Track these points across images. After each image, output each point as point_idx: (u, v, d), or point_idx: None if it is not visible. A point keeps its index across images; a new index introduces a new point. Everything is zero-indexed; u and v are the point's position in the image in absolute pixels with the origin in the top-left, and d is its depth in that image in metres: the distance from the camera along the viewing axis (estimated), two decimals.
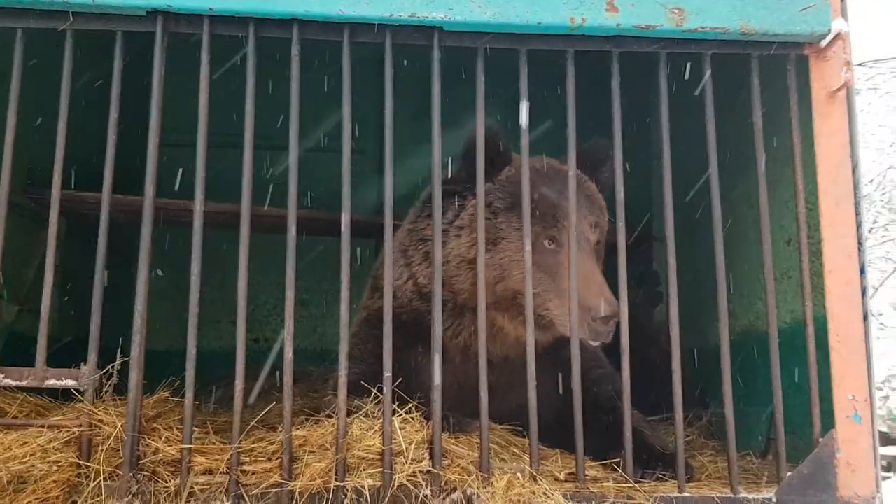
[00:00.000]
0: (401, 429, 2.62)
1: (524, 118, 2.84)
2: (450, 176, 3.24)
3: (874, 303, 19.23)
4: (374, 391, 2.69)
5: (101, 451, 2.48)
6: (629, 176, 3.02)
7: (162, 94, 2.77)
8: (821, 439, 2.71)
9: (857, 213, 2.88)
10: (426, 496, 2.52)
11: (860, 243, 2.86)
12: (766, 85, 2.96)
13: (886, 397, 15.05)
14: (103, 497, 2.42)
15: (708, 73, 2.94)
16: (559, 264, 3.08)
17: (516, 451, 2.97)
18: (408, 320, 3.28)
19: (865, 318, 2.82)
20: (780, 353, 2.84)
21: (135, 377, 2.54)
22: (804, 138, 2.94)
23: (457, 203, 3.25)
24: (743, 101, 3.02)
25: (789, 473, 2.69)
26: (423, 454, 2.59)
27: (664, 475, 2.80)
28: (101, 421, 2.51)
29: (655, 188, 4.90)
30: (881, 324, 19.53)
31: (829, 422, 2.73)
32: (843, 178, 2.87)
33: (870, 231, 18.12)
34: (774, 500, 2.63)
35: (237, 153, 2.74)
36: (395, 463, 2.55)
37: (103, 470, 2.45)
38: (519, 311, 3.11)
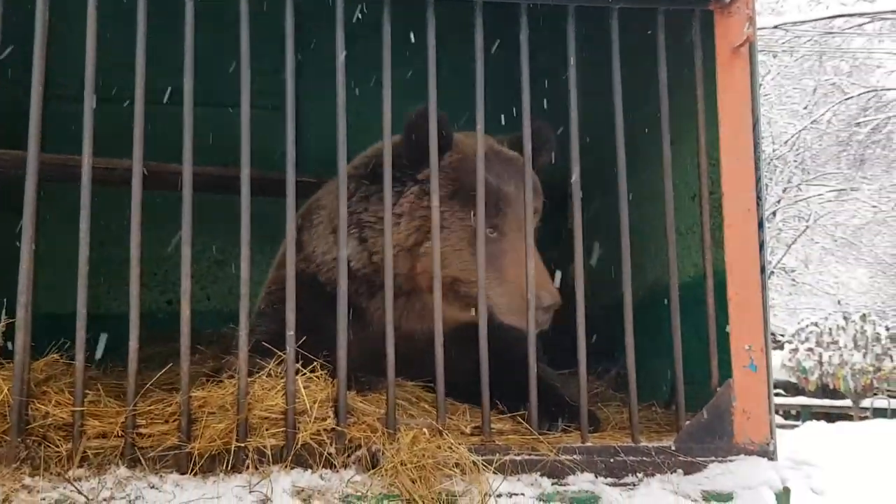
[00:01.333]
0: (305, 388, 2.57)
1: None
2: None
3: (787, 260, 20.04)
4: (284, 352, 2.63)
5: None
6: None
7: (45, 40, 2.61)
8: (718, 388, 2.79)
9: (757, 169, 2.94)
10: (331, 454, 2.49)
11: (759, 198, 2.92)
12: (673, 41, 2.98)
13: (796, 350, 15.78)
14: None
15: (615, 27, 2.94)
16: (501, 252, 3.04)
17: (426, 406, 2.97)
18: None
19: (763, 270, 2.89)
20: (685, 306, 2.90)
21: (21, 339, 2.42)
22: (708, 95, 2.98)
23: (394, 189, 3.06)
24: (652, 58, 3.03)
25: (688, 422, 2.77)
26: (327, 412, 2.56)
27: (570, 426, 2.85)
28: None
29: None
30: (793, 280, 20.40)
31: (727, 372, 2.81)
32: (744, 134, 2.93)
33: (784, 191, 18.79)
34: (673, 447, 2.70)
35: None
36: (299, 422, 2.52)
37: None
38: (455, 296, 3.08)
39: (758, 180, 2.93)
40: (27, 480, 2.32)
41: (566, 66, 2.96)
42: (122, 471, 2.36)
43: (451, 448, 2.52)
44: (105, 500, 2.27)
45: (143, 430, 2.46)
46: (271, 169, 3.32)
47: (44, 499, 2.26)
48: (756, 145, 2.95)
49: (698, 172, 2.97)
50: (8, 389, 2.40)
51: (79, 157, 3.89)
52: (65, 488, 2.29)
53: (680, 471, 2.66)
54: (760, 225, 2.91)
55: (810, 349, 15.73)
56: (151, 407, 2.53)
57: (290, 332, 2.58)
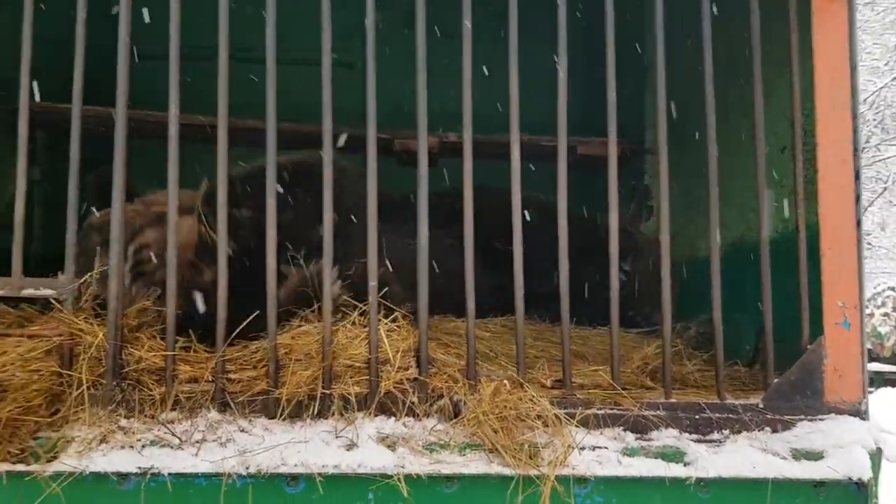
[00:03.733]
0: (387, 337, 2.59)
1: None
2: None
3: (863, 222, 19.34)
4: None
5: (83, 360, 2.44)
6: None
7: None
8: (809, 346, 2.70)
9: (854, 118, 2.81)
10: (413, 403, 2.51)
11: (855, 149, 2.80)
12: None
13: (871, 315, 15.27)
14: (87, 405, 2.39)
15: None
16: None
17: (504, 362, 2.97)
18: None
19: (858, 224, 2.78)
20: (771, 262, 2.81)
21: (115, 285, 2.48)
22: (802, 41, 2.84)
23: None
24: (739, 2, 2.90)
25: (776, 380, 2.69)
26: (409, 362, 2.57)
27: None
28: (81, 330, 2.46)
29: (649, 98, 4.78)
30: (868, 243, 19.66)
31: (818, 329, 2.72)
32: (841, 81, 2.79)
33: (862, 151, 18.05)
34: (761, 405, 2.64)
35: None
36: (382, 371, 2.54)
37: (86, 378, 2.41)
38: None
39: (854, 130, 2.80)
40: (123, 422, 2.40)
41: (651, 9, 2.85)
42: (213, 414, 2.41)
43: (532, 400, 2.51)
44: (197, 442, 2.33)
45: (231, 376, 2.51)
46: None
47: (139, 439, 2.34)
48: (853, 93, 2.81)
49: (791, 122, 2.84)
50: (103, 335, 2.47)
51: (159, 114, 4.00)
52: (158, 430, 2.36)
53: (768, 429, 2.59)
54: (857, 177, 2.78)
55: (886, 314, 15.20)
56: (239, 353, 2.57)
57: (373, 283, 2.58)
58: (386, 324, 2.64)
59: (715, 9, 2.87)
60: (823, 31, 2.81)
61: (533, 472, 2.35)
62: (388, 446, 2.38)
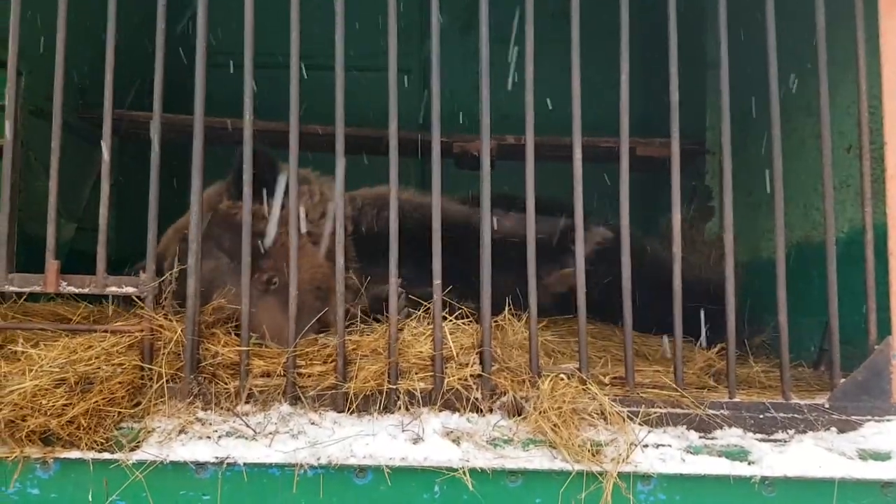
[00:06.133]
0: (451, 334, 2.65)
1: None
2: None
3: None
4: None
5: (163, 354, 2.56)
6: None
7: (207, 7, 2.75)
8: (877, 346, 2.67)
9: None
10: (477, 399, 2.56)
11: None
12: None
13: None
14: (166, 398, 2.51)
15: None
16: None
17: (567, 361, 2.99)
18: None
19: None
20: (837, 263, 2.78)
21: (192, 284, 2.60)
22: (869, 38, 2.81)
23: None
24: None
25: (843, 380, 2.67)
26: (473, 359, 2.63)
27: None
28: (161, 326, 2.58)
29: (710, 98, 4.76)
30: None
31: (885, 329, 2.69)
32: None
33: None
34: (827, 405, 2.62)
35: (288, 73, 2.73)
36: (446, 367, 2.59)
37: (165, 372, 2.53)
38: None
39: None
40: (200, 413, 2.51)
41: (714, 8, 2.85)
42: (285, 408, 2.51)
43: (586, 391, 2.53)
44: (270, 433, 2.42)
45: (302, 371, 2.60)
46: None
47: (216, 430, 2.44)
48: None
49: (858, 121, 2.80)
50: (181, 331, 2.58)
51: (227, 119, 4.14)
52: (234, 422, 2.47)
53: (834, 429, 2.57)
54: None
55: None
56: (309, 349, 2.66)
57: (437, 281, 2.64)
58: (451, 321, 2.69)
59: None
60: (891, 27, 2.77)
61: (595, 469, 2.38)
62: (453, 441, 2.43)
